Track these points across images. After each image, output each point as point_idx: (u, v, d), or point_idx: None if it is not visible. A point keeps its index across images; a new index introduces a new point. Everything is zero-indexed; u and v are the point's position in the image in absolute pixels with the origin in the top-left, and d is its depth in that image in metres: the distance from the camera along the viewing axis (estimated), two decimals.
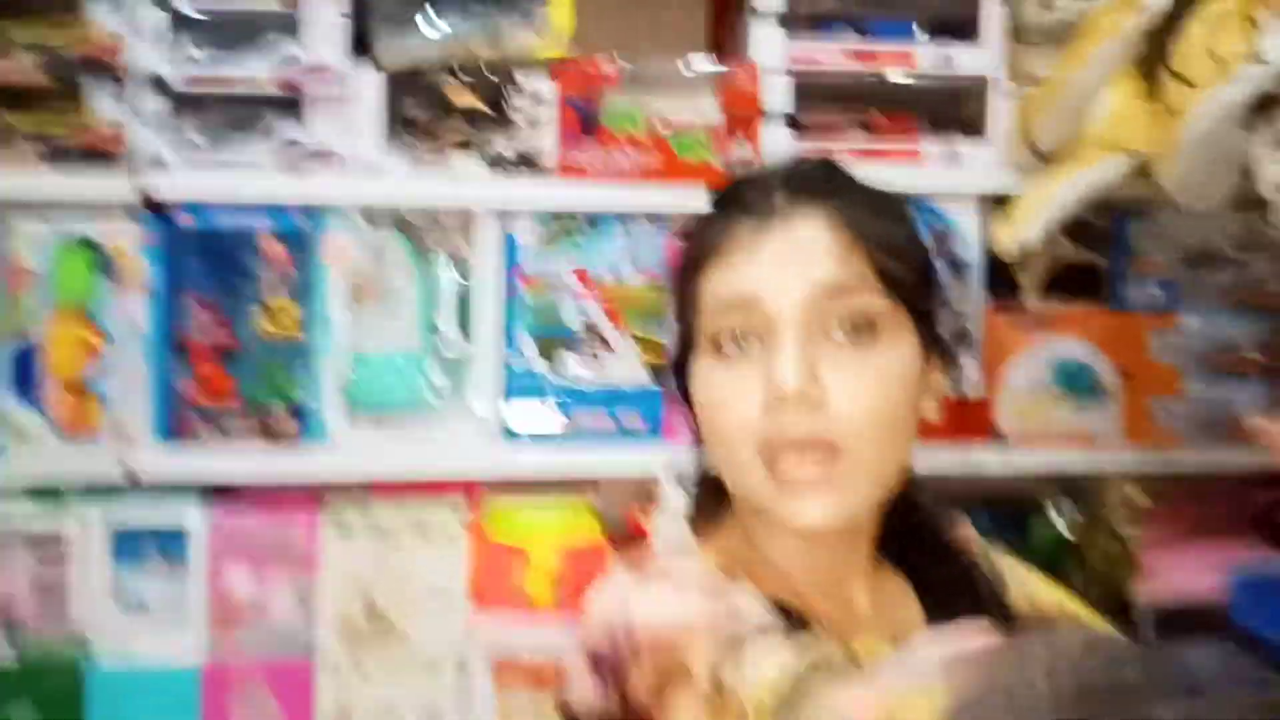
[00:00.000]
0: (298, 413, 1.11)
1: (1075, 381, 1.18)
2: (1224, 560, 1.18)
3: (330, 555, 1.11)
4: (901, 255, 0.62)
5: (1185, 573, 1.18)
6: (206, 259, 1.12)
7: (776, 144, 1.15)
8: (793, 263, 0.59)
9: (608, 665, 0.56)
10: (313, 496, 1.16)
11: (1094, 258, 1.22)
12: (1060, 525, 1.11)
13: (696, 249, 0.64)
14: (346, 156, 1.11)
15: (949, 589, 0.68)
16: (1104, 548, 1.12)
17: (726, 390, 0.60)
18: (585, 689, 0.58)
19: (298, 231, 1.11)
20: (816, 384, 0.57)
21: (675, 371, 0.67)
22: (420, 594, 1.12)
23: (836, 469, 0.57)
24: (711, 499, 0.68)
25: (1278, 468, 1.15)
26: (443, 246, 1.17)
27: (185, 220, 1.10)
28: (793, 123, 1.17)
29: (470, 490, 1.21)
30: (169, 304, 1.11)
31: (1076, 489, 1.19)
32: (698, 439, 0.66)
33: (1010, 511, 1.20)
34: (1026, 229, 1.01)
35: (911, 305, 0.61)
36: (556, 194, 1.14)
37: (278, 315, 1.12)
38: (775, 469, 0.58)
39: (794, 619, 0.59)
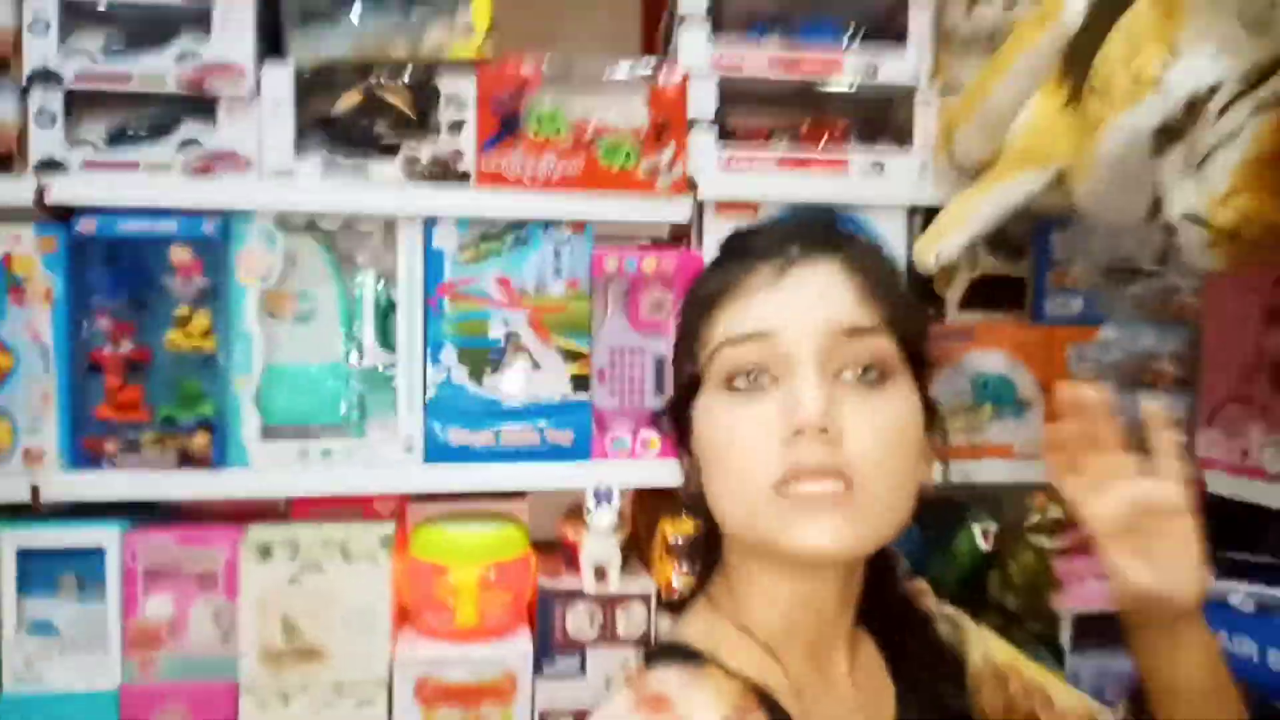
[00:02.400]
0: (212, 428, 1.07)
1: (996, 394, 1.19)
2: None
3: (249, 577, 1.09)
4: (907, 307, 0.64)
5: (1101, 581, 1.20)
6: (111, 268, 1.07)
7: (703, 150, 1.13)
8: (811, 302, 0.60)
9: None
10: (230, 515, 1.12)
11: (1015, 270, 1.22)
12: (980, 536, 1.12)
13: (711, 289, 0.64)
14: (256, 160, 1.07)
15: (916, 655, 0.69)
16: (1023, 558, 1.13)
17: (742, 425, 0.60)
18: None
19: (207, 238, 1.06)
20: (834, 420, 0.58)
21: (672, 414, 0.67)
22: (343, 615, 1.09)
23: (849, 498, 0.57)
24: (704, 554, 0.68)
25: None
26: (362, 255, 1.13)
27: (86, 226, 1.04)
28: (720, 128, 1.15)
29: (393, 507, 1.19)
30: (74, 316, 1.06)
31: (997, 500, 1.20)
32: (692, 482, 0.66)
33: (933, 522, 1.20)
34: (946, 243, 1.00)
35: (916, 357, 0.63)
36: (477, 202, 1.10)
37: (188, 327, 1.07)
38: (790, 494, 0.58)
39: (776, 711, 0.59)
